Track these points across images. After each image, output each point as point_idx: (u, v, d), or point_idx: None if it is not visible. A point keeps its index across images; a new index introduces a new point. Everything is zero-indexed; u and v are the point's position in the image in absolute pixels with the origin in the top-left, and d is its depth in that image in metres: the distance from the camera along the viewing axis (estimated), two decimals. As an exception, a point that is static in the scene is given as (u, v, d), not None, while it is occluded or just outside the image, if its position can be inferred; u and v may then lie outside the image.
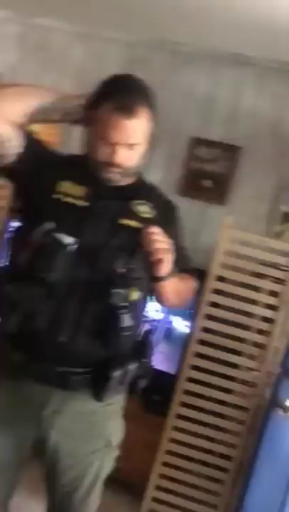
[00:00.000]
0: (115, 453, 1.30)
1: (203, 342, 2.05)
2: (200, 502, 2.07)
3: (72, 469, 1.24)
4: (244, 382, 2.04)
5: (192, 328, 2.10)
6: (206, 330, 2.05)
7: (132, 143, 1.15)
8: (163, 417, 2.08)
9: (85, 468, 1.25)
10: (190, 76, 2.55)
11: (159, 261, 1.12)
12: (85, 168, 1.19)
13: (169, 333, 2.51)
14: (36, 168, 1.19)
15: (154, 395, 2.19)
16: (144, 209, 1.23)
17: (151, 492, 2.11)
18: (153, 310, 2.31)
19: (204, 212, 2.50)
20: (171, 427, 2.08)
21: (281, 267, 1.99)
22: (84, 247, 1.13)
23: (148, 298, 1.29)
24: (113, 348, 1.16)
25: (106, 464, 1.29)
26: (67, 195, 1.18)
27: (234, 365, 2.03)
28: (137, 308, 1.19)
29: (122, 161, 1.16)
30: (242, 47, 2.36)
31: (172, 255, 1.14)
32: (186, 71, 2.55)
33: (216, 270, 2.02)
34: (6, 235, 2.37)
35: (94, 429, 1.24)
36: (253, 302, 2.02)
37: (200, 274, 1.49)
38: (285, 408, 1.74)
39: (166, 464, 2.10)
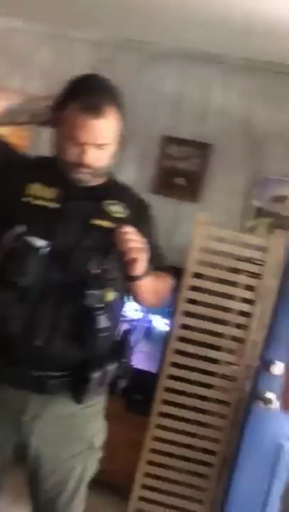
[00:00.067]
0: (98, 455, 1.30)
1: (182, 339, 2.06)
2: (186, 498, 2.08)
3: (54, 474, 1.23)
4: (224, 377, 2.06)
5: (171, 325, 2.11)
6: (185, 327, 2.06)
7: (101, 143, 1.14)
8: (145, 416, 2.08)
9: (68, 473, 1.24)
10: (159, 75, 2.56)
11: (134, 260, 1.11)
12: (54, 169, 1.18)
13: (149, 332, 2.51)
14: (5, 171, 1.17)
15: (135, 395, 2.19)
16: (117, 209, 1.22)
17: (137, 491, 2.11)
18: (132, 310, 2.31)
19: (178, 210, 2.51)
20: (154, 426, 2.08)
21: (256, 261, 2.01)
22: (56, 249, 1.13)
23: (125, 298, 1.28)
24: (90, 349, 1.16)
25: (89, 466, 1.28)
26: (37, 197, 1.17)
27: (214, 361, 2.05)
28: (113, 309, 1.19)
29: (92, 161, 1.15)
30: (208, 45, 2.38)
31: (146, 254, 1.14)
32: (154, 70, 2.56)
33: (191, 267, 2.03)
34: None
35: (74, 432, 1.23)
36: (230, 297, 2.04)
37: (176, 272, 1.49)
38: (265, 400, 1.76)
39: (151, 463, 2.10)
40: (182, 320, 2.06)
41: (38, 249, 1.10)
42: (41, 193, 1.17)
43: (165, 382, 2.07)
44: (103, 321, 1.13)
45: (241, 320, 2.03)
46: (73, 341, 1.14)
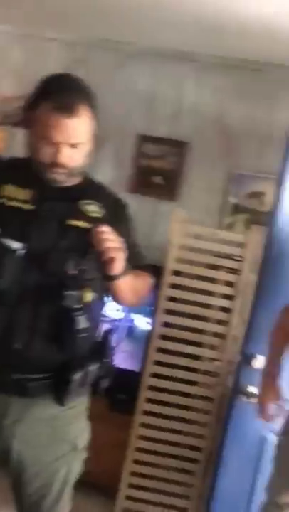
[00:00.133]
0: (82, 456, 1.29)
1: (164, 337, 2.07)
2: (173, 495, 2.09)
3: (38, 477, 1.22)
4: (207, 373, 2.07)
5: (153, 324, 2.11)
6: (167, 324, 2.07)
7: (75, 142, 1.14)
8: (130, 415, 2.08)
9: (52, 476, 1.23)
10: (133, 74, 2.56)
11: (111, 260, 1.11)
12: (28, 170, 1.17)
13: (131, 332, 2.51)
14: None
15: (119, 394, 2.19)
16: (93, 208, 1.22)
17: (124, 491, 2.11)
18: (113, 310, 2.30)
19: (156, 208, 2.52)
20: (138, 424, 2.08)
21: (234, 258, 2.03)
22: (32, 251, 1.12)
23: (105, 298, 1.28)
24: (70, 351, 1.15)
25: (74, 468, 1.27)
26: (11, 199, 1.16)
27: (196, 357, 2.06)
28: (92, 310, 1.18)
29: (66, 160, 1.14)
30: (181, 43, 2.39)
31: (124, 253, 1.14)
32: (128, 69, 2.56)
33: (171, 265, 2.04)
34: None
35: (56, 434, 1.23)
36: (210, 293, 2.05)
37: (156, 270, 1.50)
38: (247, 394, 1.78)
39: (136, 462, 2.10)
40: (163, 318, 2.06)
41: (14, 251, 1.09)
42: (15, 195, 1.16)
43: (148, 381, 2.07)
44: (82, 322, 1.13)
45: (222, 316, 2.05)
46: (53, 343, 1.14)
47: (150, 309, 2.20)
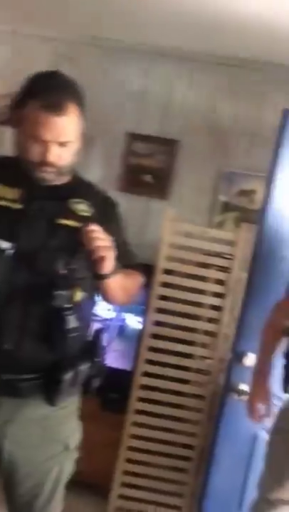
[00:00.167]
0: (74, 455, 1.29)
1: (156, 336, 2.07)
2: (166, 493, 2.09)
3: (30, 478, 1.22)
4: (199, 371, 2.08)
5: (144, 323, 2.11)
6: (158, 323, 2.07)
7: (64, 140, 1.13)
8: (122, 415, 2.08)
9: (44, 476, 1.22)
10: (122, 72, 2.55)
11: (101, 259, 1.11)
12: (17, 169, 1.17)
13: (123, 331, 2.51)
14: None
15: (111, 393, 2.18)
16: (82, 207, 1.21)
17: (116, 490, 2.11)
18: (104, 309, 2.30)
19: (146, 207, 2.51)
20: (130, 423, 2.08)
21: (225, 256, 2.04)
22: (21, 251, 1.11)
23: (95, 297, 1.27)
24: (61, 350, 1.15)
25: (65, 468, 1.27)
26: None
27: (188, 355, 2.07)
28: (82, 309, 1.17)
29: (55, 159, 1.14)
30: (172, 41, 2.38)
31: (114, 252, 1.14)
32: (118, 67, 2.55)
33: (162, 263, 2.04)
34: None
35: (48, 434, 1.22)
36: (201, 292, 2.05)
37: (147, 269, 1.50)
38: (239, 392, 1.79)
39: (129, 460, 2.10)
40: (155, 317, 2.06)
41: (3, 251, 1.08)
42: (3, 194, 1.15)
43: (140, 380, 2.07)
44: (72, 322, 1.12)
45: (213, 314, 2.05)
46: (43, 343, 1.13)
47: (141, 308, 2.20)
